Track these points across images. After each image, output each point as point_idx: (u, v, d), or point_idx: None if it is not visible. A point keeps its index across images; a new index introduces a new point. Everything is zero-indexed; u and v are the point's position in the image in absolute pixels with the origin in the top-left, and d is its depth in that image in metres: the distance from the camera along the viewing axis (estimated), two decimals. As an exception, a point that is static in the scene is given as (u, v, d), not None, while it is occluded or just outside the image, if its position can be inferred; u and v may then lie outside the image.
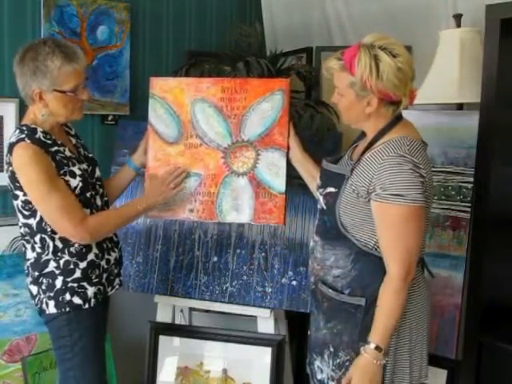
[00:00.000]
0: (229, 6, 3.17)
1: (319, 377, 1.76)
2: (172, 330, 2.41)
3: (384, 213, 1.57)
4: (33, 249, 1.87)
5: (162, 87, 2.10)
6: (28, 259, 1.90)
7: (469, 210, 2.12)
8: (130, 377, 2.62)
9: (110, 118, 2.78)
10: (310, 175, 1.97)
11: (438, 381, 2.14)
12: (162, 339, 2.37)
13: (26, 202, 1.82)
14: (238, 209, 2.05)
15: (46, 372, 2.40)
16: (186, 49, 3.01)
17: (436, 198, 2.17)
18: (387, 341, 1.59)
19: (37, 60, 1.78)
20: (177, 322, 2.52)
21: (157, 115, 2.10)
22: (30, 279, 1.91)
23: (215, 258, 2.34)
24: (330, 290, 1.69)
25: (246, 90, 2.04)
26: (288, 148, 2.01)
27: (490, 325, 2.01)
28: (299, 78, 2.72)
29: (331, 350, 1.70)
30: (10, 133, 2.43)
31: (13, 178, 1.81)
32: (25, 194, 1.81)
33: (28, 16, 2.52)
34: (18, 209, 1.85)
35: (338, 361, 1.67)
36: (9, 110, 2.47)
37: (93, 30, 2.67)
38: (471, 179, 2.11)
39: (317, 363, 1.77)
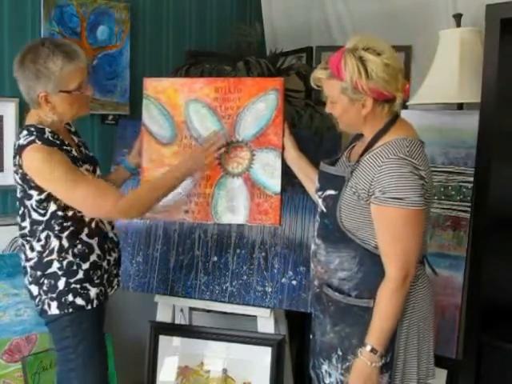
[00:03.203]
0: (229, 5, 3.17)
1: (327, 381, 1.75)
2: (172, 329, 2.41)
3: (383, 215, 1.57)
4: (32, 249, 1.86)
5: (155, 88, 2.09)
6: (30, 259, 1.88)
7: (469, 209, 2.12)
8: (130, 377, 2.62)
9: (110, 117, 2.78)
10: (305, 174, 1.97)
11: (438, 380, 2.14)
12: (162, 339, 2.37)
13: (41, 201, 1.81)
14: (234, 210, 2.05)
15: (45, 372, 2.40)
16: (186, 48, 3.01)
17: (436, 197, 2.17)
18: (384, 343, 1.58)
19: (37, 63, 1.76)
20: (177, 321, 2.52)
21: (150, 116, 2.09)
22: (29, 279, 1.90)
23: (215, 258, 2.34)
24: (337, 293, 1.68)
25: (239, 89, 2.04)
26: (283, 148, 2.01)
27: (490, 324, 2.01)
28: (299, 77, 2.72)
29: (339, 353, 1.69)
30: (10, 133, 2.47)
31: (24, 179, 1.79)
32: (40, 193, 1.80)
33: (28, 16, 2.52)
34: (32, 208, 1.83)
35: (348, 364, 1.65)
36: (8, 109, 2.47)
37: (93, 30, 2.67)
38: (471, 179, 2.11)
39: (324, 367, 1.75)
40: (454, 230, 2.15)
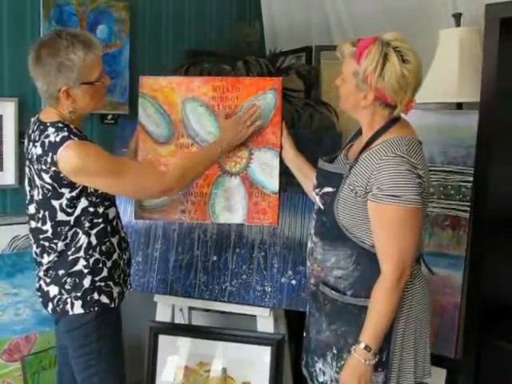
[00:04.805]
0: (228, 5, 3.17)
1: (321, 379, 1.75)
2: (171, 329, 2.41)
3: (380, 213, 1.57)
4: (54, 250, 1.80)
5: (151, 86, 2.08)
6: (49, 261, 1.82)
7: (468, 209, 2.11)
8: (130, 377, 2.61)
9: (109, 117, 2.78)
10: (303, 174, 1.97)
11: (438, 380, 2.14)
12: (162, 339, 2.37)
13: (72, 199, 1.75)
14: (231, 209, 2.05)
15: (45, 371, 2.40)
16: (186, 48, 3.01)
17: (435, 197, 2.17)
18: (378, 341, 1.58)
19: (58, 56, 1.70)
20: (176, 321, 2.52)
21: (147, 115, 2.08)
22: (47, 280, 1.83)
23: (215, 258, 2.34)
24: (333, 292, 1.68)
25: (237, 88, 2.03)
26: (281, 147, 2.01)
27: (490, 324, 2.01)
28: (299, 77, 2.72)
29: (334, 351, 1.69)
30: (9, 133, 2.47)
31: (57, 177, 1.72)
32: (72, 191, 1.74)
33: (27, 15, 2.52)
34: (61, 207, 1.76)
35: (342, 362, 1.65)
36: (8, 109, 2.46)
37: (92, 29, 2.66)
38: (471, 178, 2.11)
39: (318, 365, 1.75)
40: (454, 230, 2.15)
